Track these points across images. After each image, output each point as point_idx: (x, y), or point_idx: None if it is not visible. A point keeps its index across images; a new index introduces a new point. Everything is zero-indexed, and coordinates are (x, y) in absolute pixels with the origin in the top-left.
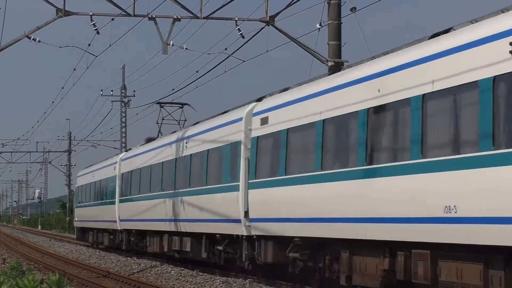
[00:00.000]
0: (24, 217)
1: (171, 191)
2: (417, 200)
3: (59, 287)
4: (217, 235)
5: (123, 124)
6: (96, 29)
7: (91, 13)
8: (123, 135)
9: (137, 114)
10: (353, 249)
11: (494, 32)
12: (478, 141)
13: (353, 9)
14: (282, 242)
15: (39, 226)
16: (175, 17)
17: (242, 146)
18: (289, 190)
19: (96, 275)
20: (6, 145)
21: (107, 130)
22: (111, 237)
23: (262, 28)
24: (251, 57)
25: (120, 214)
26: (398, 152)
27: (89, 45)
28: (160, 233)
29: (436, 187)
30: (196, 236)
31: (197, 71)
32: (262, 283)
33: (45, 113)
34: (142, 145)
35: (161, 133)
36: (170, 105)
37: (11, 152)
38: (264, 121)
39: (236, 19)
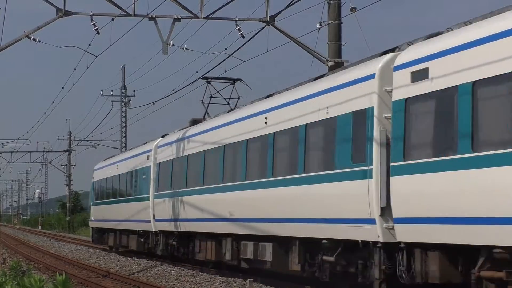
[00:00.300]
0: (24, 217)
1: (239, 183)
2: None
3: (65, 287)
4: (324, 241)
5: (123, 124)
6: (96, 29)
7: (91, 13)
8: (123, 135)
9: (137, 114)
10: None
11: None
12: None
13: (353, 9)
14: (459, 254)
15: (39, 226)
16: (175, 17)
17: (376, 114)
18: (484, 174)
19: (96, 275)
20: (6, 145)
21: (107, 130)
22: (141, 240)
23: (262, 28)
24: (251, 57)
25: (156, 213)
26: None
27: (89, 45)
28: (215, 237)
29: None
30: (281, 241)
31: (197, 71)
32: (262, 283)
33: (45, 113)
34: (185, 128)
35: (208, 114)
36: (219, 81)
37: (11, 152)
38: (420, 75)
39: (236, 19)
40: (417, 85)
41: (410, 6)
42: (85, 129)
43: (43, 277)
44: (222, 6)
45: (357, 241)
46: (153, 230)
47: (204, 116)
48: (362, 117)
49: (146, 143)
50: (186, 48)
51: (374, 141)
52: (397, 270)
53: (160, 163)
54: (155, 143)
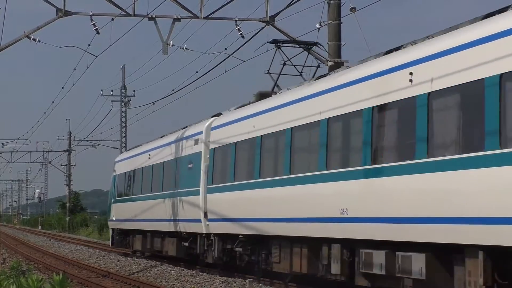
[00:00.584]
0: (24, 217)
1: (365, 168)
2: None
3: (62, 287)
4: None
5: (123, 124)
6: (96, 29)
7: (91, 13)
8: (123, 135)
9: (137, 114)
10: None
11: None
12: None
13: (353, 9)
14: None
15: (39, 226)
16: (175, 17)
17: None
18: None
19: (96, 275)
20: (6, 145)
21: (107, 130)
22: (184, 244)
23: (262, 28)
24: (251, 57)
25: (209, 211)
26: None
27: (89, 45)
28: (306, 242)
29: None
30: (440, 250)
31: (197, 71)
32: (262, 283)
33: (45, 113)
34: (246, 105)
35: (278, 86)
36: (292, 45)
37: (11, 152)
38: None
39: (236, 19)
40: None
41: (410, 6)
42: (85, 129)
43: (40, 277)
44: (222, 6)
45: None
46: (204, 232)
47: (273, 89)
48: None
49: (186, 127)
50: (186, 48)
51: None
52: None
53: (215, 148)
54: (207, 123)
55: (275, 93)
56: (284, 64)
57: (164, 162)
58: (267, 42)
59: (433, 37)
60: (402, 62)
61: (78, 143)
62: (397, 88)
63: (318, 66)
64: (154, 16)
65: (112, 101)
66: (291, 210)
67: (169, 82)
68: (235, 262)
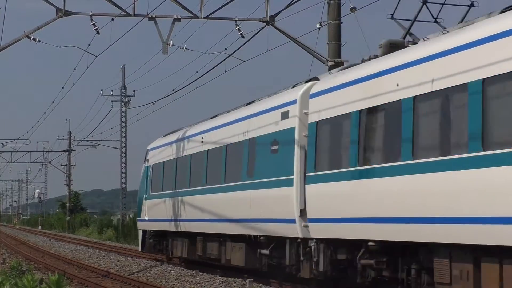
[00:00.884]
0: (24, 217)
1: None
2: None
3: (59, 287)
4: None
5: (123, 124)
6: (96, 29)
7: (91, 13)
8: (123, 135)
9: (137, 114)
10: None
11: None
12: None
13: (353, 9)
14: None
15: (39, 226)
16: (175, 17)
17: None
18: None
19: (96, 275)
20: (6, 145)
21: (107, 130)
22: (261, 252)
23: (262, 28)
24: (251, 57)
25: (310, 208)
26: None
27: (89, 45)
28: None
29: None
30: None
31: (197, 71)
32: (262, 283)
33: (45, 113)
34: (365, 61)
35: (411, 34)
36: None
37: (11, 152)
38: None
39: (236, 19)
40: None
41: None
42: (85, 129)
43: (36, 277)
44: (222, 6)
45: None
46: (300, 236)
47: (405, 37)
48: None
49: (254, 101)
50: (186, 48)
51: None
52: None
53: (319, 122)
54: (302, 90)
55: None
56: (426, 2)
57: (226, 145)
58: None
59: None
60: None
61: (78, 143)
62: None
63: (471, 5)
64: (154, 16)
65: (112, 101)
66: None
67: (169, 82)
68: (354, 278)
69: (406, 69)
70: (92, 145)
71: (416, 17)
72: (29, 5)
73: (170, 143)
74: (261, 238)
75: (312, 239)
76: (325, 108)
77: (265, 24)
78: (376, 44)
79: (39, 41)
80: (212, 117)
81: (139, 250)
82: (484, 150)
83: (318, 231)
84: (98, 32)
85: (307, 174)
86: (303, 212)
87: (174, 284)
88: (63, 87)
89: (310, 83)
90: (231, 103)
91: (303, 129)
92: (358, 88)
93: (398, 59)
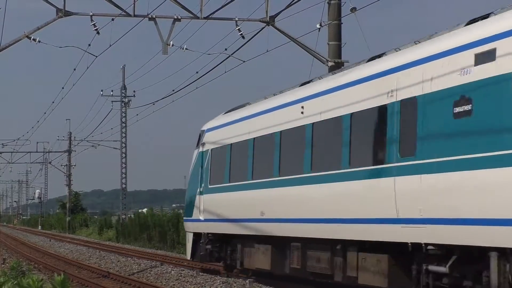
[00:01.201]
0: (24, 217)
1: None
2: None
3: (64, 287)
4: None
5: (123, 124)
6: (96, 29)
7: (91, 14)
8: (123, 135)
9: (137, 114)
10: None
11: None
12: None
13: (353, 9)
14: None
15: (39, 226)
16: (175, 17)
17: None
18: None
19: (96, 275)
20: (6, 145)
21: (107, 130)
22: (429, 268)
23: (262, 28)
24: (251, 57)
25: None
26: None
27: (89, 45)
28: None
29: None
30: None
31: (197, 72)
32: (262, 283)
33: (45, 113)
34: None
35: None
36: None
37: (11, 152)
38: None
39: (236, 19)
40: None
41: (411, 6)
42: (85, 129)
43: (41, 277)
44: (222, 6)
45: None
46: None
47: None
48: None
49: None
50: (186, 48)
51: None
52: None
53: None
54: None
55: None
56: None
57: (351, 114)
58: None
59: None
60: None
61: (78, 143)
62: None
63: None
64: (154, 16)
65: (112, 101)
66: None
67: (169, 82)
68: None
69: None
70: (92, 146)
71: None
72: (29, 5)
73: (241, 120)
74: (430, 248)
75: None
76: None
77: (265, 24)
78: (376, 44)
79: (39, 41)
80: (306, 83)
81: (188, 258)
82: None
83: None
84: (98, 32)
85: None
86: None
87: (174, 285)
88: (63, 87)
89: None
90: (232, 102)
91: None
92: None
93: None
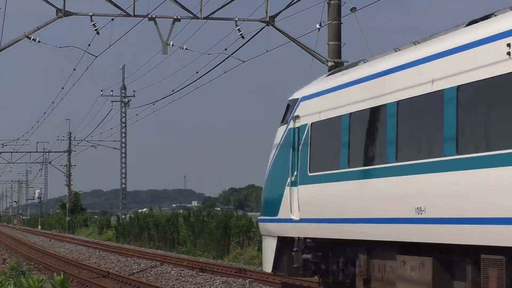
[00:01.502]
0: (24, 217)
1: None
2: None
3: (63, 287)
4: None
5: (123, 124)
6: (96, 29)
7: (91, 14)
8: (123, 135)
9: (137, 114)
10: None
11: None
12: None
13: (353, 9)
14: None
15: (39, 226)
16: (175, 17)
17: None
18: None
19: (96, 275)
20: (6, 145)
21: (107, 131)
22: None
23: (262, 28)
24: (251, 57)
25: None
26: None
27: (89, 45)
28: None
29: None
30: None
31: (197, 72)
32: (262, 283)
33: (45, 113)
34: None
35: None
36: None
37: (11, 152)
38: None
39: (236, 19)
40: None
41: (410, 6)
42: (85, 129)
43: (41, 277)
44: (222, 6)
45: None
46: None
47: None
48: None
49: None
50: (186, 48)
51: None
52: None
53: None
54: None
55: None
56: None
57: None
58: None
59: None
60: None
61: (78, 143)
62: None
63: None
64: (154, 16)
65: (112, 101)
66: None
67: (169, 82)
68: None
69: None
70: (92, 146)
71: None
72: (29, 5)
73: (369, 78)
74: None
75: None
76: None
77: (265, 24)
78: (376, 44)
79: (39, 41)
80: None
81: (268, 271)
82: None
83: None
84: (98, 33)
85: None
86: None
87: (174, 285)
88: (63, 88)
89: None
90: (231, 103)
91: None
92: None
93: None
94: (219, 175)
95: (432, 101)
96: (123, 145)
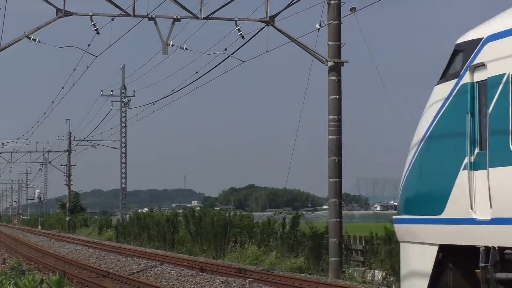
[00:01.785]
0: (24, 217)
1: None
2: None
3: (59, 287)
4: None
5: (123, 124)
6: (96, 29)
7: (91, 14)
8: (123, 135)
9: (137, 114)
10: None
11: None
12: None
13: (353, 9)
14: None
15: (39, 226)
16: (175, 17)
17: None
18: None
19: (96, 275)
20: (6, 145)
21: (107, 130)
22: None
23: (262, 28)
24: (251, 57)
25: None
26: None
27: (89, 45)
28: None
29: None
30: None
31: (197, 72)
32: (262, 283)
33: (45, 113)
34: None
35: None
36: None
37: (11, 152)
38: None
39: (236, 19)
40: None
41: (411, 6)
42: (85, 129)
43: (37, 277)
44: (222, 6)
45: None
46: None
47: None
48: None
49: None
50: (186, 48)
51: None
52: None
53: None
54: None
55: None
56: None
57: None
58: None
59: None
60: None
61: (78, 143)
62: None
63: None
64: (154, 16)
65: (112, 101)
66: None
67: (169, 82)
68: None
69: None
70: (92, 145)
71: None
72: (29, 5)
73: None
74: None
75: None
76: None
77: (265, 24)
78: (377, 44)
79: (39, 41)
80: None
81: None
82: None
83: None
84: (98, 32)
85: None
86: None
87: (174, 284)
88: (63, 87)
89: None
90: (231, 103)
91: None
92: None
93: None
94: (219, 175)
95: None
96: (123, 145)
